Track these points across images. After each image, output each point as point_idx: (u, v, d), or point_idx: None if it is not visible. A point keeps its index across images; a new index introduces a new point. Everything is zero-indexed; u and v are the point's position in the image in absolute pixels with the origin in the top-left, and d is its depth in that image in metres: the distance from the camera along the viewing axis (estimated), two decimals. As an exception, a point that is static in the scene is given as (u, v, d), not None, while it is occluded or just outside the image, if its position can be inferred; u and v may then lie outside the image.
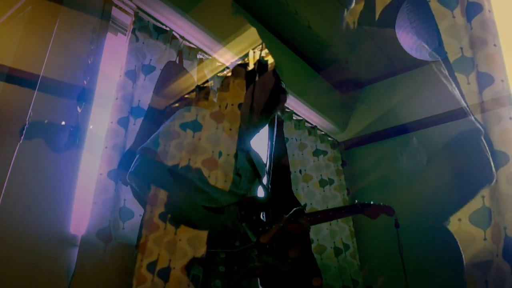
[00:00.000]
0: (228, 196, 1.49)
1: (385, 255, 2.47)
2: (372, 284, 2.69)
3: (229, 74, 1.98)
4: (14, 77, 1.42)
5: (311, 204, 2.63)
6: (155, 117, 1.70)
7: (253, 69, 1.68)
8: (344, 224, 2.78)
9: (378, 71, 3.19)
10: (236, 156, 1.58)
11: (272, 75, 1.68)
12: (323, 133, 3.08)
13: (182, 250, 1.36)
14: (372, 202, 1.80)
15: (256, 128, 1.68)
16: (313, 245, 2.54)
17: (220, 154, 1.51)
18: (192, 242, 1.37)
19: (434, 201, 2.54)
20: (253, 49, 2.11)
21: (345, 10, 2.38)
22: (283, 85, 1.69)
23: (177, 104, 1.72)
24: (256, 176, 1.65)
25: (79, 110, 1.55)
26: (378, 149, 3.10)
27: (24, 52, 1.47)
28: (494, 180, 1.34)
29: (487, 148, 1.36)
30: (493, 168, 1.33)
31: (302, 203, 2.56)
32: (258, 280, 1.49)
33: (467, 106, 1.45)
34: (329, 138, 3.14)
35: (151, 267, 1.39)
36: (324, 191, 2.72)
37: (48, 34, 1.53)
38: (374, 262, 2.64)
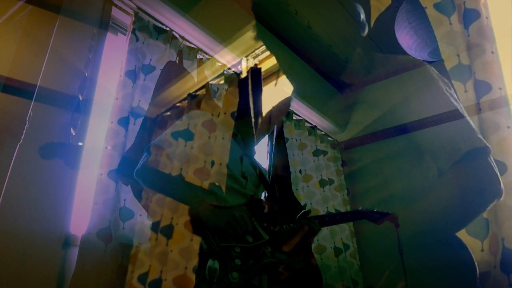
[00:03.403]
0: (236, 198, 1.49)
1: (385, 255, 2.47)
2: (372, 284, 2.69)
3: (222, 81, 1.98)
4: (11, 87, 1.42)
5: (311, 204, 2.64)
6: (148, 126, 1.69)
7: (246, 77, 1.68)
8: (344, 224, 2.77)
9: (378, 71, 3.18)
10: (241, 160, 1.58)
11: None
12: (323, 133, 3.09)
13: (174, 262, 1.35)
14: (375, 209, 1.82)
15: (264, 135, 1.69)
16: (313, 245, 2.54)
17: (212, 163, 1.50)
18: (184, 253, 1.36)
19: (436, 201, 2.53)
20: (246, 56, 2.11)
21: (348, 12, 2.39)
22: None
23: (168, 113, 1.72)
24: (260, 180, 1.65)
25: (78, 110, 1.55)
26: (378, 149, 3.10)
27: (21, 62, 1.47)
28: (502, 197, 1.31)
29: (495, 165, 1.33)
30: (502, 185, 1.30)
31: (302, 203, 2.57)
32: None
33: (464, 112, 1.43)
34: (329, 138, 3.14)
35: (142, 278, 1.39)
36: (324, 191, 2.73)
37: (45, 43, 1.52)
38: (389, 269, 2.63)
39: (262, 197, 1.70)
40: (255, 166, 1.65)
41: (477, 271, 1.35)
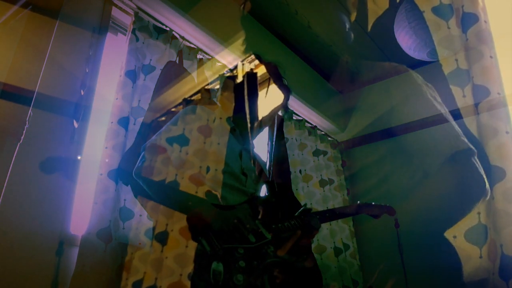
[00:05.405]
0: (237, 196, 1.48)
1: (385, 255, 2.48)
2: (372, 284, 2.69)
3: (217, 86, 1.98)
4: (9, 93, 1.41)
5: (311, 204, 2.63)
6: (147, 131, 1.69)
7: (241, 82, 1.67)
8: (344, 224, 2.77)
9: (378, 71, 3.19)
10: (240, 155, 1.57)
11: (275, 74, 1.67)
12: (323, 133, 3.09)
13: (169, 268, 1.34)
14: (373, 203, 1.81)
15: (262, 128, 1.67)
16: (313, 245, 2.54)
17: (208, 169, 1.48)
18: (179, 260, 1.35)
19: (434, 201, 2.53)
20: (242, 61, 2.12)
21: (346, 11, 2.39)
22: (285, 82, 1.69)
23: (163, 118, 1.71)
24: (260, 176, 1.64)
25: (75, 124, 1.55)
26: (378, 149, 3.10)
27: (19, 67, 1.46)
28: (488, 196, 1.32)
29: (480, 166, 1.34)
30: (487, 185, 1.31)
31: (302, 203, 2.57)
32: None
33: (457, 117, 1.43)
34: (329, 138, 3.14)
35: (137, 285, 1.38)
36: (324, 191, 2.72)
37: (43, 49, 1.52)
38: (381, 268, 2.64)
39: (262, 193, 1.70)
40: (255, 160, 1.64)
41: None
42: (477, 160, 1.35)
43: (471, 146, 1.36)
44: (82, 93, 1.56)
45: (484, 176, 1.31)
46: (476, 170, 1.33)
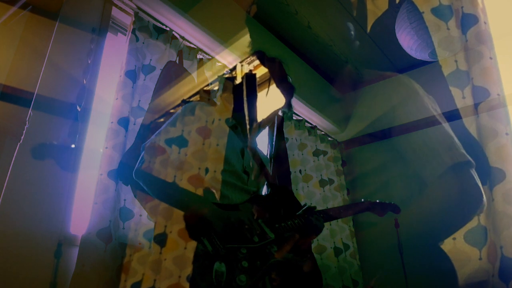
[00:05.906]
0: (239, 194, 1.47)
1: (385, 255, 2.48)
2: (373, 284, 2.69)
3: (217, 87, 1.97)
4: (8, 94, 1.41)
5: (311, 204, 2.63)
6: (145, 132, 1.69)
7: (240, 83, 1.66)
8: (344, 224, 2.78)
9: (378, 71, 3.18)
10: (242, 153, 1.56)
11: (279, 71, 1.66)
12: (323, 133, 3.08)
13: (168, 270, 1.33)
14: (378, 200, 1.81)
15: (264, 127, 1.67)
16: (313, 245, 2.54)
17: (207, 170, 1.47)
18: (178, 262, 1.35)
19: (433, 206, 2.53)
20: (241, 62, 2.12)
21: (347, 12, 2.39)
22: (290, 79, 1.67)
23: (162, 119, 1.71)
24: (263, 174, 1.63)
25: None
26: (378, 149, 3.10)
27: (19, 69, 1.46)
28: (485, 208, 1.32)
29: (478, 178, 1.35)
30: (484, 197, 1.32)
31: (302, 203, 2.56)
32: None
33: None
34: (329, 138, 3.14)
35: (135, 287, 1.38)
36: (324, 191, 2.72)
37: (43, 50, 1.52)
38: (379, 274, 2.65)
39: (264, 191, 1.69)
40: (257, 158, 1.63)
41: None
42: (475, 172, 1.36)
43: (470, 159, 1.37)
44: (79, 109, 1.56)
45: (482, 189, 1.32)
46: (474, 183, 1.34)
